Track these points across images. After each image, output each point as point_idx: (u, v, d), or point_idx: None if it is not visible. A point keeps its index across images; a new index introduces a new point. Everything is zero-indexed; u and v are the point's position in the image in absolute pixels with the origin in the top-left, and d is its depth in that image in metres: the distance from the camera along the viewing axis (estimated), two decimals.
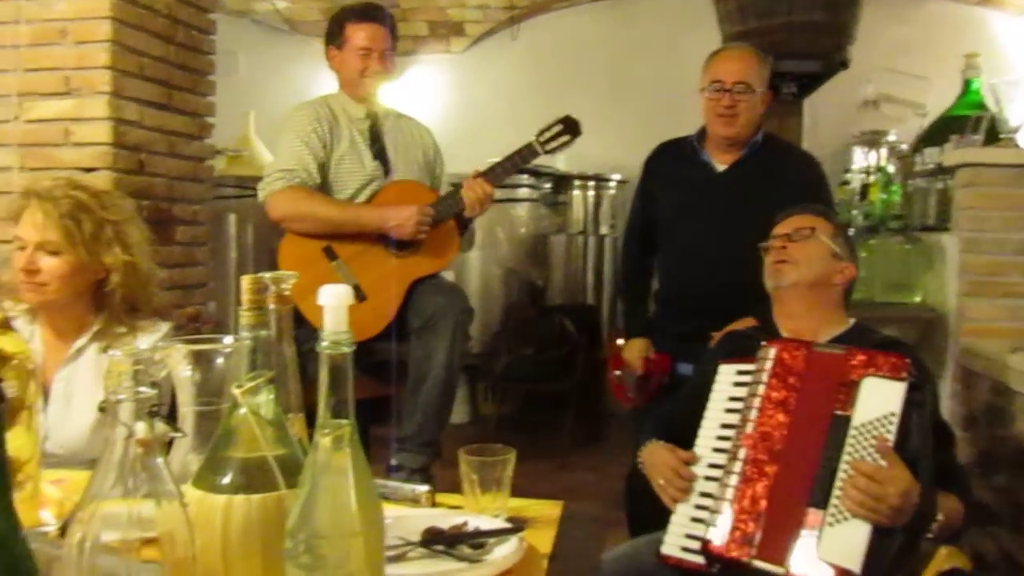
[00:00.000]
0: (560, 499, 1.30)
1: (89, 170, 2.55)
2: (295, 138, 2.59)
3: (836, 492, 1.46)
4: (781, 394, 1.64)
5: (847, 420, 1.51)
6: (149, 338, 1.82)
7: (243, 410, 0.85)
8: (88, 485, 0.70)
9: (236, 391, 0.85)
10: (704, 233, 2.40)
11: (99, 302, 1.81)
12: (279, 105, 5.28)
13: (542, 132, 2.61)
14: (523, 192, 4.88)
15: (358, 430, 2.59)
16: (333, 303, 0.77)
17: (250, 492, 0.83)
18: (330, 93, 2.76)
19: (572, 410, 4.38)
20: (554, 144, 2.60)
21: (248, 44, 5.65)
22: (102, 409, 0.65)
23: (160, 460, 0.69)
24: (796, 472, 1.55)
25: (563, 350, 4.53)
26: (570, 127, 2.61)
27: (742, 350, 1.76)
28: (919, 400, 1.52)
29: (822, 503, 1.47)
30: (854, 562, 1.39)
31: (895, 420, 1.47)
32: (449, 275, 4.68)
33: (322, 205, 2.55)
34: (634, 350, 2.52)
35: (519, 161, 2.61)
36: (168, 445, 0.72)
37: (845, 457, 1.48)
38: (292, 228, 2.57)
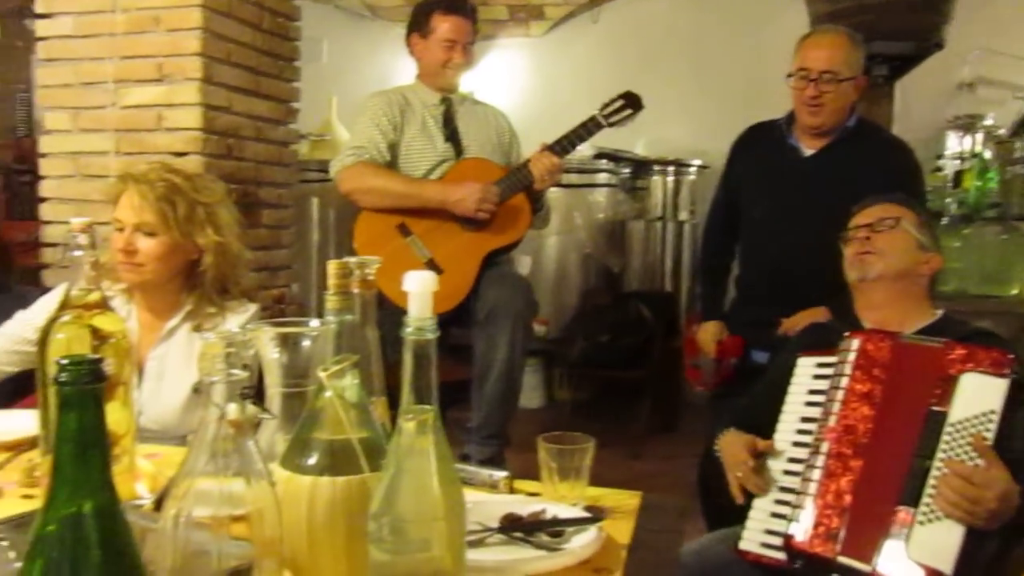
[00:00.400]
0: (634, 487, 1.29)
1: (180, 154, 2.63)
2: (367, 120, 2.68)
3: (928, 491, 1.41)
4: (866, 386, 1.59)
5: (943, 416, 1.46)
6: (237, 318, 1.87)
7: (328, 393, 0.86)
8: (182, 462, 0.73)
9: (322, 374, 0.86)
10: (786, 219, 2.35)
11: (191, 283, 1.86)
12: (361, 90, 5.36)
13: (605, 106, 2.67)
14: (601, 177, 4.83)
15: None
16: (418, 289, 0.77)
17: (335, 474, 0.85)
18: (405, 84, 2.83)
19: (647, 398, 4.34)
20: (616, 117, 2.66)
21: (332, 30, 5.74)
22: (196, 390, 0.67)
23: (251, 441, 0.71)
24: (884, 467, 1.50)
25: (639, 337, 4.49)
26: (632, 101, 2.67)
27: (822, 342, 1.72)
28: (1019, 399, 1.44)
29: (913, 501, 1.42)
30: (946, 563, 1.35)
31: (995, 419, 1.41)
32: (527, 259, 4.71)
33: (387, 179, 2.62)
34: (708, 333, 2.49)
35: (583, 134, 2.66)
36: (256, 425, 0.74)
37: (939, 455, 1.43)
38: (359, 201, 2.64)
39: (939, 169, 3.93)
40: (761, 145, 2.49)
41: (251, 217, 2.82)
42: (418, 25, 2.76)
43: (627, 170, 4.97)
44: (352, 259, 1.02)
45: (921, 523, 1.40)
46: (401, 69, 5.52)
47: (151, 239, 1.78)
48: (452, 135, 2.74)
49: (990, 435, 1.40)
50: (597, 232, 4.79)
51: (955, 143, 4.04)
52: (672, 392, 4.69)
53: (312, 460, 0.86)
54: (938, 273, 1.84)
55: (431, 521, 0.75)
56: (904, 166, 2.35)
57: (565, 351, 4.69)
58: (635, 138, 4.93)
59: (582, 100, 5.21)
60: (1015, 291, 2.99)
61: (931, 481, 1.41)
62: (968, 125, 4.05)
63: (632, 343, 4.52)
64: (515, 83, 5.60)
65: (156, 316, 1.87)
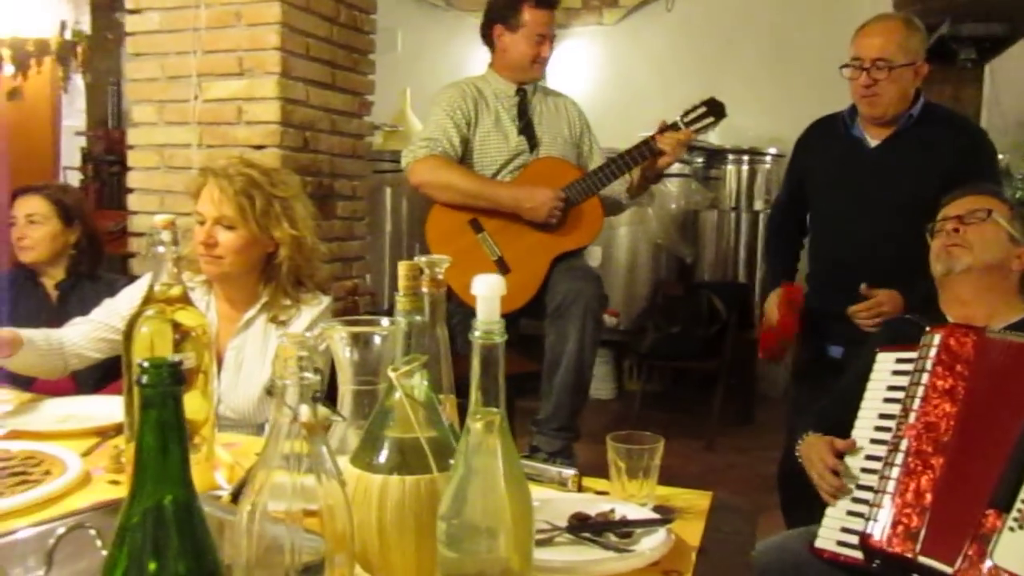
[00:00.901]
0: (707, 480, 1.27)
1: (259, 147, 2.70)
2: (441, 112, 2.66)
3: (1022, 496, 1.35)
4: (948, 382, 1.53)
5: None
6: (311, 311, 1.91)
7: (398, 393, 0.87)
8: (258, 459, 0.75)
9: (392, 374, 0.87)
10: (854, 210, 2.29)
11: (268, 275, 1.91)
12: (435, 81, 5.40)
13: (687, 112, 2.60)
14: (674, 167, 4.76)
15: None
16: (487, 293, 0.78)
17: (404, 473, 0.86)
18: (478, 75, 2.81)
19: (720, 390, 4.28)
20: (698, 125, 2.59)
21: (406, 21, 5.79)
22: (269, 392, 0.68)
23: (322, 441, 0.72)
24: (972, 467, 1.45)
25: (711, 329, 4.43)
26: (715, 108, 2.59)
27: (903, 337, 1.67)
28: None
29: (1005, 506, 1.36)
30: None
31: None
32: (598, 249, 4.69)
33: (460, 177, 2.61)
34: (772, 300, 2.42)
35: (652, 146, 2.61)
36: (328, 427, 0.75)
37: None
38: (430, 195, 2.66)
39: None
40: (825, 139, 2.43)
41: (325, 209, 2.87)
42: (504, 17, 2.70)
43: (700, 159, 4.90)
44: (422, 259, 1.03)
45: (1012, 529, 1.34)
46: (475, 59, 5.53)
47: (230, 232, 1.83)
48: (526, 127, 2.72)
49: None
50: (669, 222, 4.74)
51: None
52: (746, 384, 4.63)
53: (382, 459, 0.87)
54: None
55: (499, 522, 0.75)
56: (973, 149, 2.25)
57: (636, 342, 4.67)
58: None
59: (656, 89, 5.21)
60: None
61: None
62: None
63: (704, 334, 4.47)
64: (588, 72, 5.56)
65: (234, 307, 1.92)
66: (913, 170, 2.22)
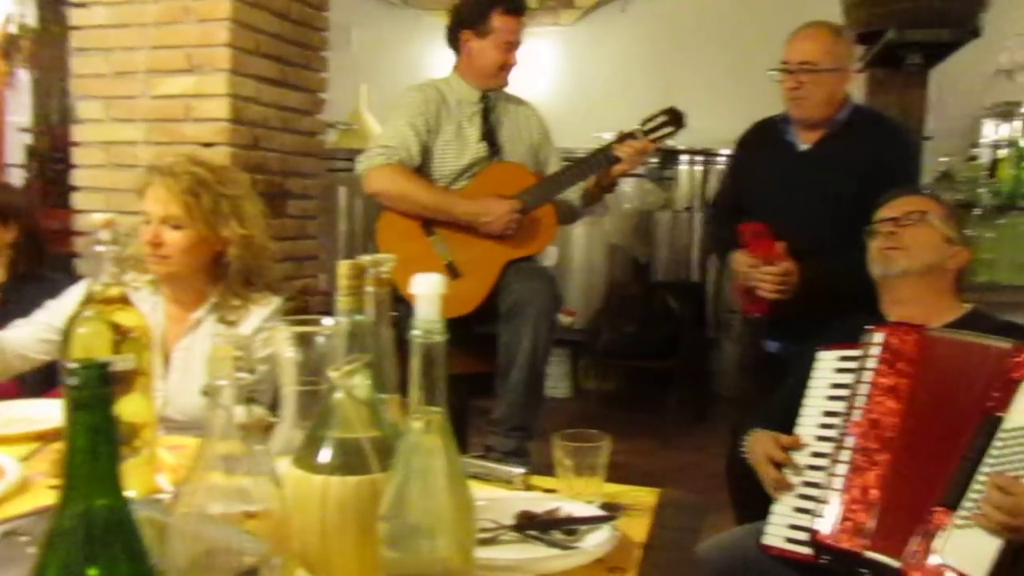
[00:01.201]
0: (663, 478, 1.28)
1: (208, 145, 2.66)
2: (401, 118, 2.62)
3: (971, 495, 1.38)
4: (891, 380, 1.56)
5: (998, 421, 1.41)
6: (261, 311, 1.89)
7: (340, 393, 0.87)
8: (192, 462, 0.74)
9: (333, 374, 0.87)
10: (788, 211, 2.33)
11: (217, 275, 1.88)
12: (391, 79, 5.40)
13: (646, 121, 2.60)
14: None
15: (457, 406, 2.61)
16: (427, 292, 0.77)
17: (345, 473, 0.85)
18: (442, 77, 2.76)
19: (676, 388, 4.33)
20: (657, 135, 2.59)
21: (361, 18, 5.75)
22: (205, 393, 0.67)
23: (259, 442, 0.72)
24: (920, 463, 1.48)
25: (666, 328, 4.47)
26: (675, 118, 2.60)
27: (844, 336, 1.70)
28: None
29: (953, 504, 1.39)
30: (979, 571, 1.31)
31: None
32: (554, 249, 4.70)
33: (417, 188, 2.57)
34: (736, 256, 2.42)
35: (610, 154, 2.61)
36: (266, 428, 0.75)
37: (988, 460, 1.39)
38: (385, 203, 2.62)
39: (974, 158, 3.86)
40: (761, 143, 2.50)
41: (277, 207, 2.84)
42: (473, 22, 2.65)
43: (655, 160, 4.94)
44: (366, 257, 1.03)
45: (959, 526, 1.37)
46: (432, 58, 5.53)
47: (177, 232, 1.80)
48: (488, 134, 2.69)
49: None
50: (624, 223, 4.78)
51: (992, 131, 3.97)
52: (701, 383, 4.68)
53: (324, 460, 0.87)
54: (966, 267, 1.80)
55: (439, 522, 0.75)
56: (895, 149, 2.33)
57: (592, 341, 4.69)
58: None
59: (613, 90, 5.23)
60: None
61: (976, 486, 1.38)
62: (1006, 112, 3.98)
63: (659, 333, 4.51)
64: (545, 73, 5.57)
65: (182, 308, 1.89)
66: (840, 172, 2.29)
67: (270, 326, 1.03)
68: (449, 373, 2.59)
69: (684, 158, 4.94)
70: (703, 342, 4.57)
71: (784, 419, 1.71)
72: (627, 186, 4.83)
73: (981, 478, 1.38)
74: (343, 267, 0.91)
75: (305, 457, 0.88)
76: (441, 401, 0.78)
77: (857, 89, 3.95)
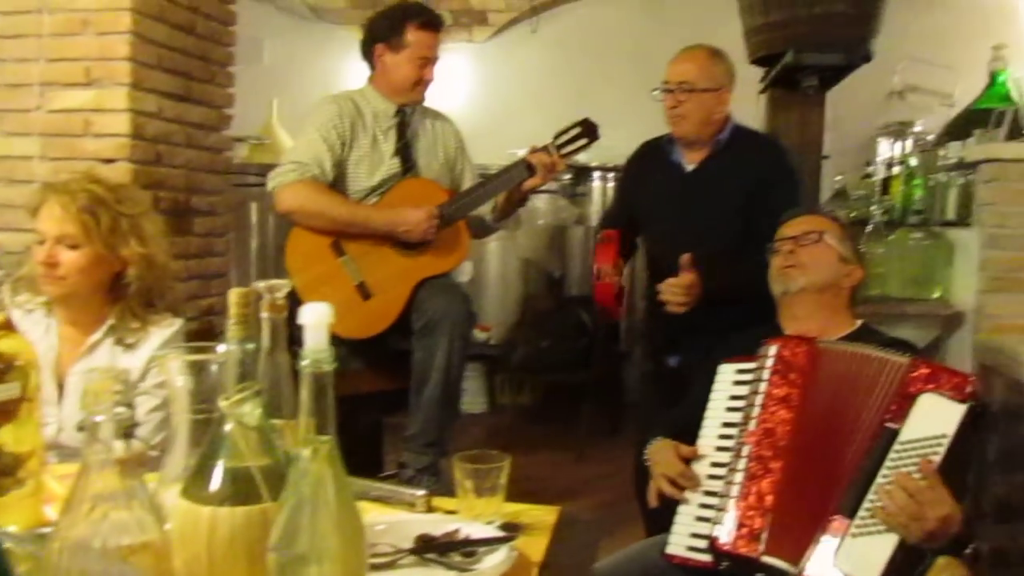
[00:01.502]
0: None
1: (108, 161, 2.58)
2: (314, 132, 2.57)
3: (867, 504, 1.43)
4: (783, 390, 1.63)
5: (895, 433, 1.47)
6: (161, 333, 1.85)
7: (230, 422, 0.86)
8: (69, 497, 0.72)
9: (223, 403, 0.86)
10: (677, 231, 2.41)
11: (115, 296, 1.84)
12: (303, 93, 5.34)
13: (559, 135, 2.60)
14: None
15: (371, 423, 2.60)
16: (314, 321, 0.78)
17: (235, 504, 0.84)
18: (357, 89, 2.71)
19: (589, 402, 4.38)
20: (570, 148, 2.60)
21: (273, 31, 5.67)
22: (80, 428, 0.66)
23: (137, 476, 0.70)
24: (809, 469, 1.54)
25: (580, 342, 4.53)
26: (588, 130, 2.60)
27: (743, 349, 1.76)
28: (975, 425, 1.46)
29: (850, 512, 1.44)
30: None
31: (945, 443, 1.41)
32: (469, 264, 4.71)
33: (332, 203, 2.53)
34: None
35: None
36: (143, 462, 0.73)
37: (884, 471, 1.44)
38: (298, 222, 2.58)
39: (869, 176, 4.03)
40: (649, 163, 2.57)
41: (182, 225, 2.77)
42: (386, 36, 2.62)
43: (568, 176, 5.01)
44: (260, 283, 1.02)
45: (854, 535, 1.42)
46: (345, 72, 5.49)
47: (73, 251, 1.76)
48: (403, 149, 2.66)
49: (937, 458, 1.40)
50: (538, 238, 4.83)
51: (886, 150, 4.16)
52: (614, 395, 4.75)
53: (213, 490, 0.86)
54: (860, 284, 1.90)
55: (326, 551, 0.75)
56: (773, 167, 2.42)
57: (508, 356, 4.72)
58: None
59: (526, 107, 5.29)
60: (937, 295, 3.09)
61: (871, 495, 1.43)
62: (898, 132, 4.17)
63: (573, 347, 4.56)
64: (459, 88, 5.60)
65: (78, 330, 1.84)
66: (724, 191, 2.38)
67: (163, 352, 1.01)
68: (362, 391, 2.58)
69: (597, 174, 5.02)
70: (616, 355, 4.64)
71: (688, 430, 1.76)
72: (540, 202, 4.88)
73: (876, 487, 1.43)
74: (233, 295, 0.90)
75: (193, 488, 0.86)
76: (331, 430, 0.78)
77: (758, 110, 4.11)
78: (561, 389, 5.17)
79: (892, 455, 1.45)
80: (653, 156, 2.56)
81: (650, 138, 2.61)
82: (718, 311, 2.26)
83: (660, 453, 1.76)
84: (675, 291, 2.28)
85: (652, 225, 2.52)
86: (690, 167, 2.46)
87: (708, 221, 2.39)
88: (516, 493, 1.31)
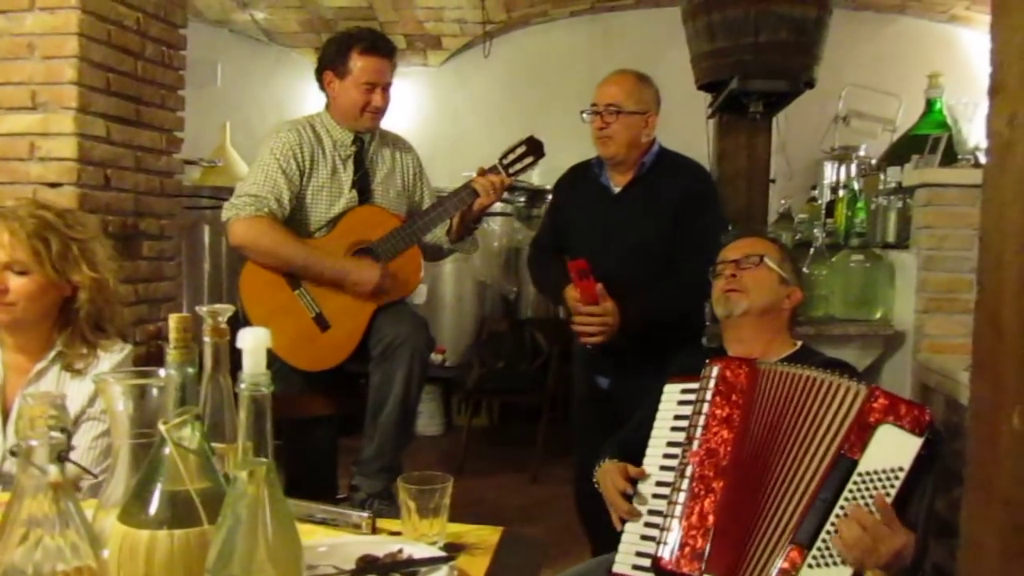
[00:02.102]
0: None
1: (54, 185, 2.56)
2: (274, 162, 2.51)
3: (824, 535, 1.44)
4: (725, 411, 1.64)
5: (854, 464, 1.46)
6: (110, 358, 1.83)
7: (168, 446, 0.87)
8: (2, 522, 0.72)
9: (162, 427, 0.87)
10: (604, 252, 2.45)
11: (64, 322, 1.82)
12: (256, 116, 5.35)
13: (506, 154, 2.63)
14: (497, 206, 4.88)
15: (325, 446, 2.58)
16: (252, 345, 0.79)
17: (173, 527, 0.85)
18: (316, 114, 2.68)
19: (544, 423, 4.40)
20: (518, 167, 2.62)
21: (226, 54, 5.66)
22: (13, 453, 0.67)
23: (71, 500, 0.71)
24: (750, 489, 1.55)
25: (535, 363, 4.56)
26: (534, 147, 2.63)
27: (689, 369, 1.79)
28: (931, 457, 1.45)
29: (807, 542, 1.44)
30: None
31: (902, 476, 1.42)
32: (424, 287, 4.72)
33: (285, 245, 2.48)
34: (568, 291, 2.47)
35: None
36: (77, 486, 0.74)
37: (841, 502, 1.45)
38: (249, 256, 2.54)
39: (814, 199, 4.14)
40: (579, 185, 2.62)
41: (130, 249, 2.75)
42: (333, 61, 2.59)
43: (522, 199, 5.06)
44: (203, 308, 1.03)
45: (810, 566, 1.43)
46: (299, 96, 5.51)
47: (23, 277, 1.74)
48: (361, 179, 2.63)
49: (893, 491, 1.42)
50: (493, 260, 4.86)
51: (831, 173, 4.27)
52: (569, 416, 4.76)
53: (151, 514, 0.86)
54: (799, 306, 1.94)
55: (263, 572, 0.76)
56: (697, 191, 2.48)
57: (463, 378, 4.73)
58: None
59: (480, 130, 5.34)
60: (878, 315, 3.17)
61: (829, 527, 1.44)
62: (842, 156, 4.29)
63: (528, 369, 4.59)
64: (414, 112, 5.64)
65: (25, 357, 1.81)
66: (649, 212, 2.43)
67: (103, 377, 1.00)
68: (317, 415, 2.55)
69: (550, 197, 5.07)
70: (570, 376, 4.67)
71: (637, 450, 1.78)
72: (495, 224, 4.91)
73: (833, 519, 1.44)
74: (173, 320, 0.92)
75: (131, 512, 0.87)
76: (269, 453, 0.80)
77: (707, 134, 4.20)
78: (516, 410, 5.19)
79: (851, 486, 1.45)
80: (582, 178, 2.61)
81: (578, 162, 2.67)
82: (647, 333, 2.32)
83: (607, 475, 1.77)
84: (588, 321, 2.32)
85: (580, 246, 2.55)
86: (617, 189, 2.52)
87: (634, 242, 2.44)
88: (470, 515, 1.33)
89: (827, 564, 1.41)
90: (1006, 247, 1.01)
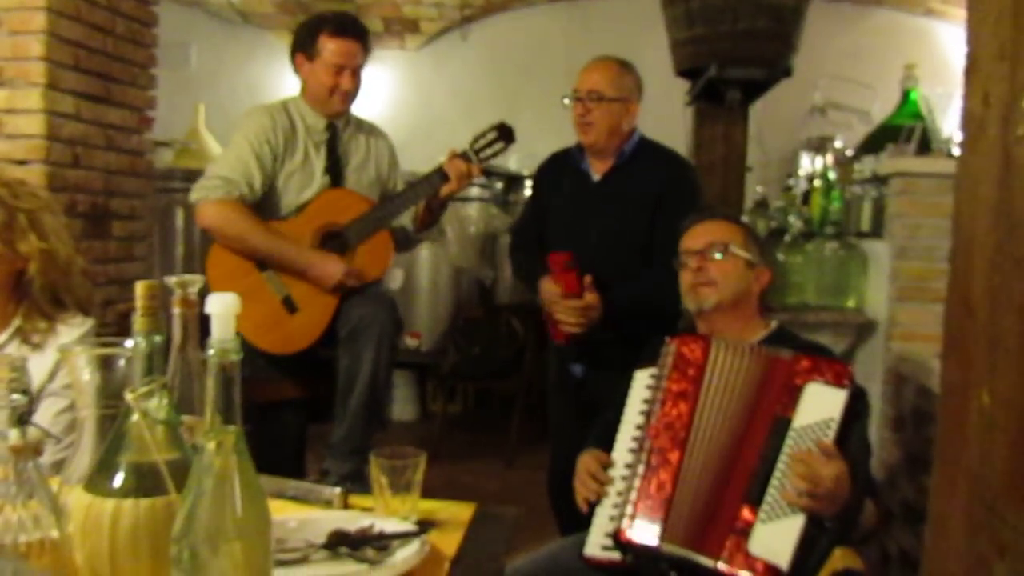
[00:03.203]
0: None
1: (22, 163, 2.51)
2: (246, 145, 2.49)
3: (771, 490, 1.50)
4: (681, 385, 1.67)
5: (788, 422, 1.55)
6: (71, 332, 1.79)
7: (135, 415, 0.85)
8: None
9: (128, 396, 0.85)
10: (584, 239, 2.45)
11: (19, 296, 1.78)
12: (230, 98, 5.28)
13: (476, 139, 2.62)
14: (473, 192, 4.89)
15: (295, 430, 2.55)
16: (220, 311, 0.78)
17: (139, 496, 0.84)
18: (291, 98, 2.65)
19: (519, 409, 4.41)
20: (488, 152, 2.61)
21: (200, 35, 5.59)
22: None
23: (31, 465, 0.69)
24: (710, 460, 1.59)
25: (511, 349, 4.56)
26: (504, 133, 2.62)
27: (656, 355, 1.79)
28: (858, 408, 1.57)
29: (756, 500, 1.50)
30: (782, 559, 1.43)
31: (834, 425, 1.51)
32: (400, 272, 4.70)
33: (252, 231, 2.46)
34: (544, 283, 2.46)
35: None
36: (37, 451, 0.72)
37: (783, 457, 1.51)
38: (216, 239, 2.52)
39: (790, 188, 4.16)
40: (559, 173, 2.61)
41: (100, 229, 2.71)
42: (303, 44, 2.57)
43: (499, 185, 5.04)
44: (172, 278, 1.01)
45: (763, 521, 1.48)
46: (273, 78, 5.45)
47: None
48: (333, 166, 2.61)
49: (828, 440, 1.50)
50: (469, 246, 4.84)
51: (807, 163, 4.29)
52: (544, 402, 4.77)
53: (117, 483, 0.85)
54: (768, 286, 1.93)
55: (227, 542, 0.75)
56: (676, 179, 2.48)
57: (438, 364, 4.71)
58: (508, 153, 4.98)
59: (457, 115, 5.32)
60: (852, 303, 3.19)
61: (774, 481, 1.50)
62: (819, 146, 4.31)
63: (504, 355, 4.58)
64: (391, 96, 5.60)
65: None
66: (629, 201, 2.43)
67: (68, 347, 0.98)
68: (286, 398, 2.53)
69: (528, 182, 5.06)
70: (546, 362, 4.67)
71: (610, 438, 1.79)
72: (472, 210, 4.90)
73: (778, 473, 1.50)
74: (139, 287, 0.90)
75: (96, 481, 0.85)
76: (237, 420, 0.78)
77: (684, 122, 4.21)
78: (492, 396, 5.19)
79: (788, 441, 1.53)
80: (562, 165, 2.60)
81: (558, 150, 2.65)
82: (621, 322, 2.32)
83: (582, 463, 1.78)
84: (569, 313, 2.32)
85: (560, 234, 2.55)
86: (596, 177, 2.51)
87: (614, 230, 2.44)
88: (445, 499, 1.32)
89: (778, 516, 1.48)
90: (978, 226, 1.01)
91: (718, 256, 1.87)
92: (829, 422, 1.51)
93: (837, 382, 1.55)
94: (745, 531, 1.49)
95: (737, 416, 1.62)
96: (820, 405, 1.54)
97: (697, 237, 1.92)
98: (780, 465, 1.51)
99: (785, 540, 1.45)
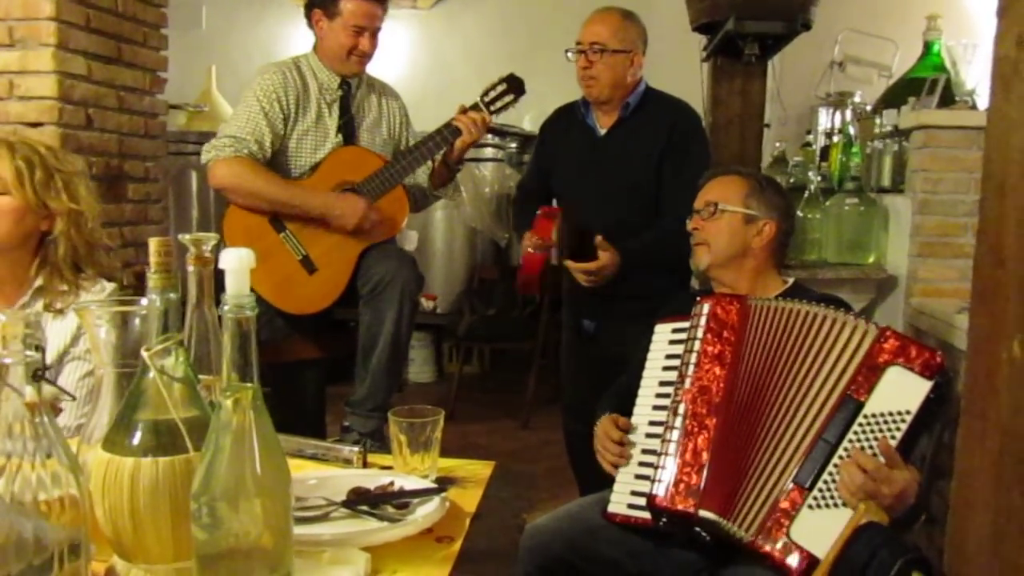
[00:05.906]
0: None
1: (35, 124, 2.50)
2: (256, 104, 2.47)
3: (826, 476, 1.42)
4: (717, 348, 1.62)
5: (860, 406, 1.44)
6: (92, 297, 1.80)
7: (152, 373, 0.84)
8: None
9: (145, 354, 0.84)
10: (592, 193, 2.43)
11: (43, 257, 1.80)
12: (243, 60, 5.24)
13: (487, 92, 2.61)
14: (488, 152, 4.84)
15: (313, 390, 2.56)
16: (235, 267, 0.76)
17: (158, 454, 0.83)
18: (303, 55, 2.62)
19: (535, 370, 4.41)
20: (499, 104, 2.60)
21: None
22: None
23: (47, 421, 0.69)
24: (744, 424, 1.54)
25: (526, 310, 4.55)
26: (514, 85, 2.60)
27: (678, 309, 1.78)
28: (939, 400, 1.43)
29: (809, 483, 1.43)
30: (821, 550, 1.36)
31: (908, 419, 1.40)
32: (414, 234, 4.69)
33: (267, 184, 2.45)
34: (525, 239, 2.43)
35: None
36: (55, 407, 0.72)
37: (845, 444, 1.43)
38: (231, 199, 2.51)
39: (808, 144, 4.09)
40: (565, 127, 2.59)
41: (115, 191, 2.70)
42: (323, 2, 2.54)
43: (513, 145, 4.99)
44: (187, 236, 1.00)
45: (811, 507, 1.42)
46: (286, 39, 5.39)
47: (3, 197, 1.72)
48: (346, 125, 2.60)
49: (899, 435, 1.40)
50: (484, 206, 4.81)
51: (826, 119, 4.22)
52: (558, 363, 4.77)
53: (135, 441, 0.84)
54: (778, 238, 1.86)
55: (246, 499, 0.75)
56: (684, 128, 2.45)
57: (454, 325, 4.72)
58: (522, 113, 4.95)
59: (470, 74, 5.24)
60: (872, 259, 3.15)
61: (831, 468, 1.42)
62: (838, 102, 4.24)
63: (519, 316, 4.58)
64: (403, 56, 5.53)
65: (4, 294, 1.79)
66: (636, 153, 2.41)
67: (79, 306, 0.98)
68: (305, 359, 2.53)
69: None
70: (560, 323, 4.67)
71: (629, 398, 1.77)
72: (486, 170, 4.86)
73: (836, 460, 1.42)
74: (153, 244, 0.89)
75: (115, 440, 0.85)
76: (254, 378, 0.77)
77: (701, 77, 4.14)
78: (507, 357, 5.20)
79: (855, 428, 1.44)
80: (568, 120, 2.57)
81: (563, 104, 2.62)
82: (633, 276, 2.31)
83: (601, 426, 1.77)
84: (583, 274, 2.31)
85: (567, 189, 2.53)
86: (602, 130, 2.48)
87: (621, 183, 2.41)
88: (462, 459, 1.32)
89: (828, 506, 1.40)
90: (1009, 173, 0.99)
91: (709, 216, 1.86)
92: (904, 415, 1.41)
93: (923, 371, 1.42)
94: (790, 513, 1.42)
95: (789, 383, 1.54)
96: (899, 394, 1.42)
97: (699, 199, 1.92)
98: (841, 451, 1.42)
99: (831, 534, 1.35)
